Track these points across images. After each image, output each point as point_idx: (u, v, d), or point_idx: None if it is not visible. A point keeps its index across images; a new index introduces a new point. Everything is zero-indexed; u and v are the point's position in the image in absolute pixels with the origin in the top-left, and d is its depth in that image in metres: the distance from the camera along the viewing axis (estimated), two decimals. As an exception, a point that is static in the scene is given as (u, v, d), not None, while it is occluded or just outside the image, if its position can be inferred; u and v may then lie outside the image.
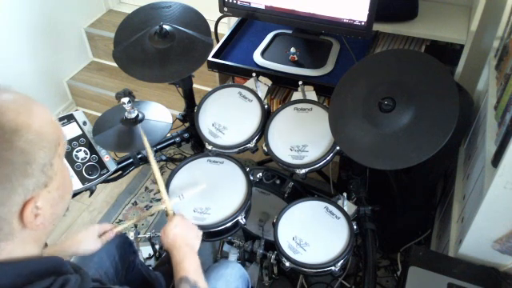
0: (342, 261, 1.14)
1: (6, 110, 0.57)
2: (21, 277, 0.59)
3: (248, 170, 1.32)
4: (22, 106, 0.59)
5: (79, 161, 1.29)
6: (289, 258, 1.15)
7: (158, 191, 1.20)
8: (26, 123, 0.57)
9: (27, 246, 0.62)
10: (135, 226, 1.85)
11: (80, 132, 1.33)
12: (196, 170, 1.34)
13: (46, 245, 0.73)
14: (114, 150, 1.37)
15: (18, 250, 0.61)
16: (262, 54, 1.60)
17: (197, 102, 1.51)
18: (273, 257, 1.37)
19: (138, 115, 1.37)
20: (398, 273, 1.61)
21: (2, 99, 0.58)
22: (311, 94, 1.38)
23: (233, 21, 1.81)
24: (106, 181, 1.36)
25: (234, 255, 1.49)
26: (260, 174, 1.45)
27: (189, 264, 0.94)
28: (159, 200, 1.91)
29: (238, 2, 1.54)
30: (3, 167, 0.55)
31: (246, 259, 1.50)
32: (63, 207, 0.67)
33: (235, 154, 1.36)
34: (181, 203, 1.21)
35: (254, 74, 1.43)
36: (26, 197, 0.58)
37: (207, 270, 1.12)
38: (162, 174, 2.01)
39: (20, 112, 0.58)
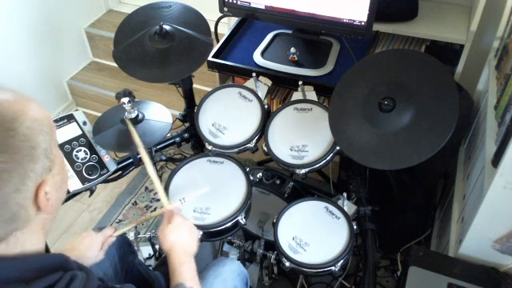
0: (341, 261, 1.14)
1: (1, 102, 0.60)
2: (30, 271, 0.61)
3: (248, 170, 1.32)
4: (13, 98, 0.63)
5: (79, 161, 1.29)
6: (289, 258, 1.15)
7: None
8: (22, 111, 0.61)
9: (35, 236, 0.65)
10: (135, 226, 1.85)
11: (80, 132, 1.33)
12: (196, 170, 1.34)
13: (48, 252, 0.74)
14: (114, 150, 1.37)
15: (27, 242, 0.64)
16: (262, 53, 1.60)
17: (197, 102, 1.51)
18: (273, 257, 1.36)
19: (138, 115, 1.37)
20: (398, 273, 1.61)
21: None
22: (311, 94, 1.38)
23: (233, 21, 1.81)
24: (106, 181, 1.36)
25: (233, 255, 1.48)
26: (260, 174, 1.45)
27: (186, 270, 0.94)
28: (159, 200, 1.91)
29: (238, 2, 1.54)
30: (13, 154, 0.58)
31: (246, 259, 1.50)
32: (64, 191, 0.71)
33: (235, 154, 1.36)
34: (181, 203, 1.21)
35: (254, 74, 1.42)
36: (37, 181, 0.61)
37: (205, 269, 1.12)
38: (161, 174, 2.05)
39: (14, 103, 0.61)
